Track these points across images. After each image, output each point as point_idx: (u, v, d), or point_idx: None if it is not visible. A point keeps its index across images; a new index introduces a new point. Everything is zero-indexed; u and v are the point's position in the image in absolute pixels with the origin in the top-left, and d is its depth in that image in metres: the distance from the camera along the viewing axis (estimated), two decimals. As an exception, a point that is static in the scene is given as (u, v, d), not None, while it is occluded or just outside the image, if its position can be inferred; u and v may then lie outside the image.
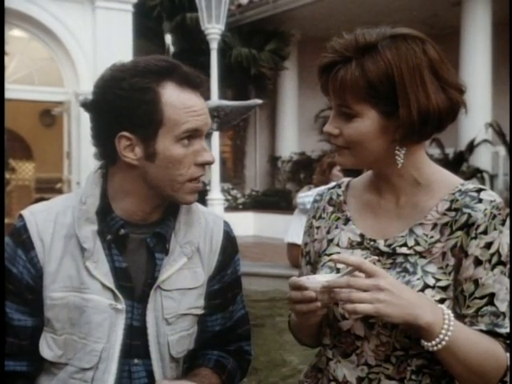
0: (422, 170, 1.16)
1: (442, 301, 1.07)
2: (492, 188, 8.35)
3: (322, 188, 1.44)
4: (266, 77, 11.55)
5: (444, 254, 1.10)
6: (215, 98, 7.45)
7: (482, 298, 1.07)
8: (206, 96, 1.26)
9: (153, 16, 10.73)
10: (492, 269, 1.07)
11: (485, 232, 1.08)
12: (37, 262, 1.22)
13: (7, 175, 12.51)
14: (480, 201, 1.10)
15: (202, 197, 7.94)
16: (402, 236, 1.13)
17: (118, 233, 1.24)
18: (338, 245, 1.21)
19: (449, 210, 1.11)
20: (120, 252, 1.24)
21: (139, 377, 1.24)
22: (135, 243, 1.26)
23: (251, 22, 11.51)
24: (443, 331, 1.01)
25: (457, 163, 8.99)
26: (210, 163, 1.24)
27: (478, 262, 1.08)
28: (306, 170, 11.42)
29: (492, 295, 1.07)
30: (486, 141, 9.19)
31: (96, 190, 1.26)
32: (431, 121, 1.08)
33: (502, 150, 9.33)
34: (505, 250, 1.08)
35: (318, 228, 1.27)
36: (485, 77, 9.18)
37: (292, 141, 12.53)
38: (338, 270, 1.15)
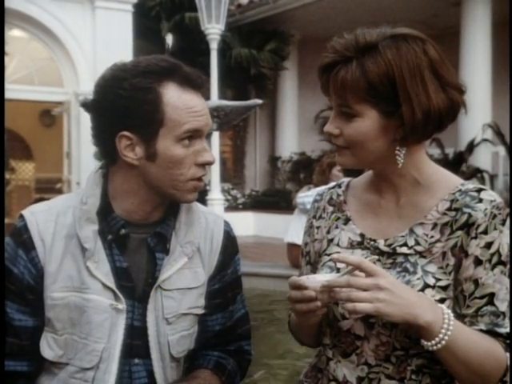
0: (423, 169, 1.16)
1: (442, 300, 1.07)
2: (492, 188, 8.33)
3: (322, 188, 1.44)
4: (266, 77, 11.56)
5: (444, 254, 1.10)
6: (215, 98, 7.44)
7: (481, 297, 1.07)
8: (206, 96, 1.26)
9: (152, 16, 10.72)
10: (492, 269, 1.07)
11: (485, 232, 1.08)
12: (38, 262, 1.22)
13: (7, 175, 12.50)
14: (480, 200, 1.10)
15: (202, 197, 7.93)
16: (403, 236, 1.13)
17: (119, 233, 1.24)
18: (338, 245, 1.21)
19: (449, 209, 1.11)
20: (121, 252, 1.25)
21: (140, 376, 1.24)
22: (136, 243, 1.26)
23: (251, 22, 11.50)
24: (443, 331, 1.01)
25: (457, 163, 8.98)
26: (210, 163, 1.24)
27: (478, 262, 1.08)
28: (306, 170, 11.40)
29: (492, 295, 1.07)
30: (485, 141, 9.18)
31: (97, 190, 1.26)
32: (432, 121, 1.08)
33: (502, 150, 9.32)
34: (505, 250, 1.08)
35: (318, 228, 1.27)
36: (485, 77, 9.18)
37: (292, 141, 12.53)
38: (338, 270, 1.15)
